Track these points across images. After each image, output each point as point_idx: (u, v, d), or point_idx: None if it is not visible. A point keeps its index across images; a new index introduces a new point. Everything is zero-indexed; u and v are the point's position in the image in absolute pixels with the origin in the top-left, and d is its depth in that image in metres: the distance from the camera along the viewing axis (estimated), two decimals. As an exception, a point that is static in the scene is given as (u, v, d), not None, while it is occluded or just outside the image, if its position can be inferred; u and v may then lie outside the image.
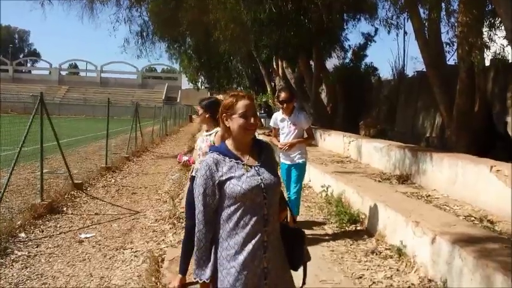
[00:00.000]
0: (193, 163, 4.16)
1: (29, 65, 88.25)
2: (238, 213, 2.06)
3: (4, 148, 8.66)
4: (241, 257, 2.04)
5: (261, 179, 2.10)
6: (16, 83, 64.39)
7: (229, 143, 2.21)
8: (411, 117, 13.07)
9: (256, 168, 2.14)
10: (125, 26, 16.70)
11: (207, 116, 3.93)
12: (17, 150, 7.51)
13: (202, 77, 31.56)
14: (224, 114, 2.18)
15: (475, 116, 8.40)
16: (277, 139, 5.12)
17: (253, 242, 2.04)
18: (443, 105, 8.51)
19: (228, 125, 2.17)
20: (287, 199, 4.47)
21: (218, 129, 3.95)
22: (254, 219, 2.05)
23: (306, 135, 5.10)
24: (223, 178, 2.08)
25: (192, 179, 4.04)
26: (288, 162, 4.94)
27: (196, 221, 2.14)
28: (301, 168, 4.92)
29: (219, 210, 2.12)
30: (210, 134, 3.95)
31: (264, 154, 2.23)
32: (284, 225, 2.27)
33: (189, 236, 4.02)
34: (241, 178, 2.07)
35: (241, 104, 2.14)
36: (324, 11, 12.54)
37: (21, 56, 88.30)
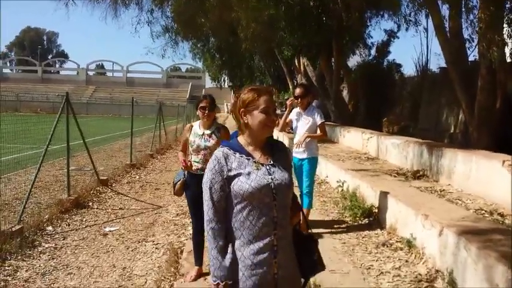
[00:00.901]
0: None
1: (57, 65, 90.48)
2: (244, 213, 1.98)
3: (33, 146, 9.00)
4: (248, 261, 1.96)
5: (272, 179, 2.00)
6: (45, 84, 66.22)
7: (241, 139, 2.12)
8: (435, 113, 12.93)
9: (268, 167, 2.03)
10: (148, 27, 17.00)
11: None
12: (42, 149, 7.88)
13: (225, 76, 31.85)
14: (243, 109, 2.07)
15: (497, 112, 8.31)
16: (282, 128, 5.39)
17: (262, 245, 1.95)
18: (465, 101, 8.46)
19: (246, 121, 2.07)
20: (299, 194, 4.60)
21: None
22: (262, 220, 1.96)
23: (318, 132, 5.13)
24: (232, 174, 2.00)
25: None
26: (300, 157, 5.00)
27: (206, 219, 2.04)
28: (313, 163, 5.00)
29: (227, 208, 2.03)
30: (212, 132, 4.07)
31: (277, 154, 2.13)
32: (296, 231, 2.16)
33: (195, 230, 4.25)
34: (250, 176, 1.98)
35: (262, 100, 2.05)
36: (346, 9, 12.55)
37: (49, 57, 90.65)
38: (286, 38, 14.87)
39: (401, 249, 4.07)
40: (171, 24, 18.84)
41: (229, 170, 2.00)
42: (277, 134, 16.20)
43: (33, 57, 79.92)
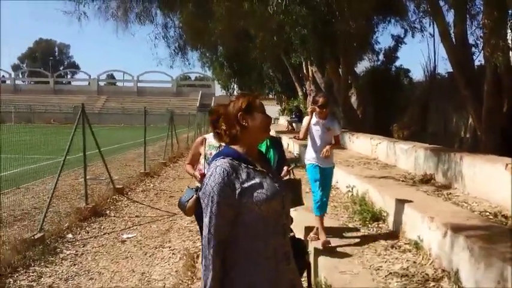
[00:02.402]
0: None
1: (68, 76, 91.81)
2: (259, 226, 1.89)
3: (47, 157, 9.23)
4: (264, 273, 1.88)
5: (279, 186, 1.98)
6: (57, 95, 67.16)
7: (237, 147, 2.02)
8: (444, 118, 13.03)
9: (270, 175, 2.00)
10: (158, 39, 17.32)
11: None
12: (59, 159, 8.14)
13: (234, 84, 32.14)
14: (241, 113, 2.00)
15: (504, 115, 8.43)
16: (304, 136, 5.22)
17: (278, 256, 1.92)
18: (472, 106, 8.59)
19: (246, 124, 1.99)
20: (319, 200, 4.80)
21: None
22: (276, 229, 1.93)
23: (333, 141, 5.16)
24: (246, 186, 1.88)
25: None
26: (324, 165, 4.96)
27: (204, 241, 1.87)
28: (332, 172, 5.11)
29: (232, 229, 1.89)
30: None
31: (266, 161, 2.16)
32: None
33: None
34: (264, 185, 1.91)
35: (259, 102, 2.07)
36: (352, 15, 12.71)
37: (61, 68, 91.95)
38: (293, 44, 15.04)
39: (409, 250, 4.24)
40: (179, 34, 19.12)
41: (242, 183, 1.89)
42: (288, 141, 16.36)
43: (45, 69, 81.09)
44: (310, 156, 5.06)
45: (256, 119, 2.02)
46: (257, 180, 1.91)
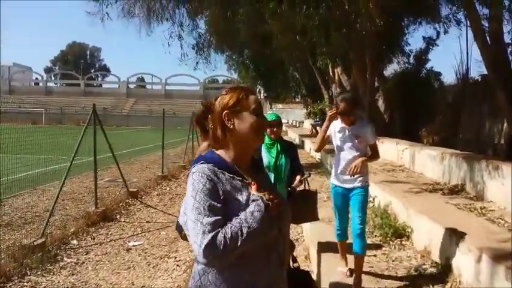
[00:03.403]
0: None
1: (99, 79, 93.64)
2: (245, 254, 1.50)
3: (63, 158, 9.03)
4: None
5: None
6: (87, 97, 68.38)
7: (223, 154, 1.66)
8: (477, 123, 12.25)
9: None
10: (183, 40, 17.15)
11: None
12: (83, 160, 7.94)
13: (260, 86, 31.82)
14: (227, 111, 1.63)
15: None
16: (319, 147, 4.17)
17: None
18: (508, 109, 7.92)
19: (231, 126, 1.63)
20: (339, 228, 3.97)
21: None
22: (269, 259, 1.58)
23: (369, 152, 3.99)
24: (228, 197, 1.55)
25: None
26: (346, 186, 3.87)
27: (202, 232, 1.46)
28: (365, 194, 3.87)
29: None
30: None
31: (261, 171, 1.79)
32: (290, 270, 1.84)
33: None
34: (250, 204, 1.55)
35: (252, 99, 1.66)
36: (381, 16, 12.17)
37: (92, 71, 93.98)
38: (319, 47, 14.58)
39: (435, 276, 3.67)
40: (205, 36, 18.98)
41: (224, 192, 1.54)
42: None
43: (76, 71, 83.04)
44: (333, 174, 4.05)
45: (245, 121, 1.63)
46: (245, 196, 1.56)
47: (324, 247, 4.34)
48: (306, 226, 4.81)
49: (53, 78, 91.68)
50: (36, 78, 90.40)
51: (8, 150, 6.91)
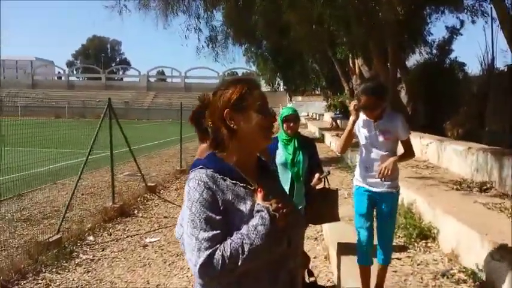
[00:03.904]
0: None
1: (120, 73, 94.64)
2: (249, 274, 1.34)
3: (94, 151, 9.04)
4: None
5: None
6: (108, 90, 69.10)
7: (225, 155, 1.47)
8: (504, 115, 11.80)
9: (272, 197, 1.43)
10: (201, 32, 17.05)
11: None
12: (104, 153, 7.89)
13: (279, 79, 31.54)
14: (228, 110, 1.44)
15: None
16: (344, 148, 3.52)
17: None
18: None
19: (233, 127, 1.44)
20: (365, 245, 3.34)
21: None
22: (277, 279, 1.40)
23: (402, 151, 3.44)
24: (230, 207, 1.37)
25: None
26: (373, 189, 3.33)
27: (199, 248, 1.31)
28: (396, 201, 3.41)
29: None
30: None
31: (270, 176, 1.57)
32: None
33: None
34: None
35: (258, 94, 1.46)
36: (401, 4, 11.80)
37: (113, 65, 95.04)
38: (338, 37, 14.27)
39: (464, 281, 3.43)
40: (222, 28, 18.85)
41: (225, 201, 1.36)
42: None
43: (97, 65, 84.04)
44: (357, 174, 3.50)
45: (250, 120, 1.44)
46: (248, 206, 1.37)
47: (344, 249, 4.12)
48: (326, 224, 4.61)
49: (74, 72, 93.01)
50: (59, 72, 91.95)
51: (30, 144, 6.94)
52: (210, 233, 1.31)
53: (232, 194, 1.38)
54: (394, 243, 4.16)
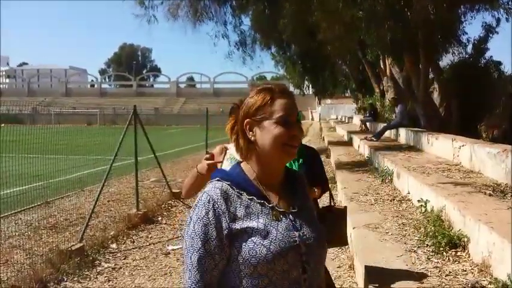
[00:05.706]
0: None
1: (151, 80, 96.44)
2: None
3: (123, 157, 9.12)
4: None
5: (300, 237, 1.31)
6: (139, 97, 70.53)
7: (247, 168, 1.40)
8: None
9: (292, 217, 1.34)
10: (229, 38, 17.13)
11: None
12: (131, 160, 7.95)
13: (307, 82, 31.26)
14: (248, 120, 1.37)
15: None
16: None
17: None
18: None
19: (252, 138, 1.36)
20: None
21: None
22: None
23: None
24: (237, 227, 1.29)
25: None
26: None
27: None
28: None
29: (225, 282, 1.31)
30: None
31: (300, 191, 1.45)
32: None
33: None
34: (269, 233, 1.28)
35: (279, 104, 1.34)
36: (434, 3, 11.41)
37: (144, 72, 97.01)
38: (368, 38, 13.95)
39: (496, 295, 3.19)
40: (249, 32, 18.90)
41: (233, 221, 1.28)
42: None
43: (129, 73, 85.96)
44: None
45: (267, 133, 1.33)
46: (261, 222, 1.29)
47: (374, 275, 3.60)
48: (350, 230, 4.40)
49: (107, 79, 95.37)
50: (92, 80, 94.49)
51: (61, 151, 7.04)
52: (198, 276, 1.27)
53: (245, 212, 1.31)
54: (421, 252, 3.96)
